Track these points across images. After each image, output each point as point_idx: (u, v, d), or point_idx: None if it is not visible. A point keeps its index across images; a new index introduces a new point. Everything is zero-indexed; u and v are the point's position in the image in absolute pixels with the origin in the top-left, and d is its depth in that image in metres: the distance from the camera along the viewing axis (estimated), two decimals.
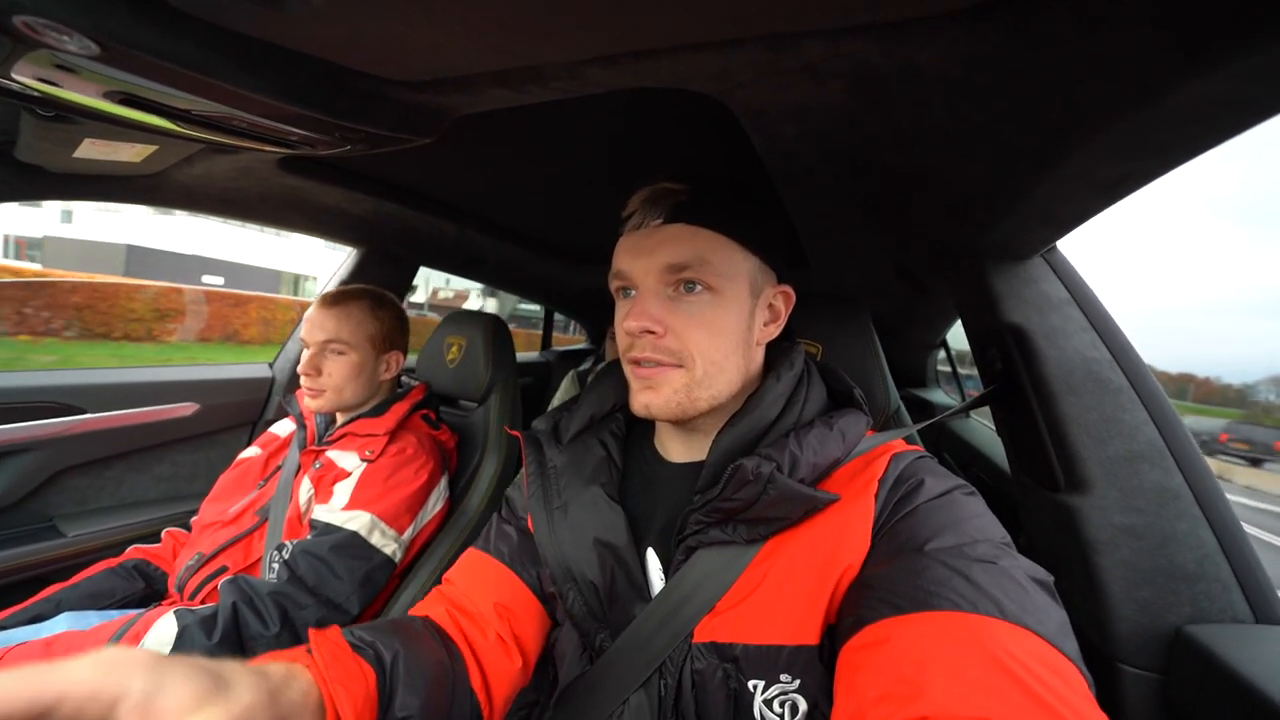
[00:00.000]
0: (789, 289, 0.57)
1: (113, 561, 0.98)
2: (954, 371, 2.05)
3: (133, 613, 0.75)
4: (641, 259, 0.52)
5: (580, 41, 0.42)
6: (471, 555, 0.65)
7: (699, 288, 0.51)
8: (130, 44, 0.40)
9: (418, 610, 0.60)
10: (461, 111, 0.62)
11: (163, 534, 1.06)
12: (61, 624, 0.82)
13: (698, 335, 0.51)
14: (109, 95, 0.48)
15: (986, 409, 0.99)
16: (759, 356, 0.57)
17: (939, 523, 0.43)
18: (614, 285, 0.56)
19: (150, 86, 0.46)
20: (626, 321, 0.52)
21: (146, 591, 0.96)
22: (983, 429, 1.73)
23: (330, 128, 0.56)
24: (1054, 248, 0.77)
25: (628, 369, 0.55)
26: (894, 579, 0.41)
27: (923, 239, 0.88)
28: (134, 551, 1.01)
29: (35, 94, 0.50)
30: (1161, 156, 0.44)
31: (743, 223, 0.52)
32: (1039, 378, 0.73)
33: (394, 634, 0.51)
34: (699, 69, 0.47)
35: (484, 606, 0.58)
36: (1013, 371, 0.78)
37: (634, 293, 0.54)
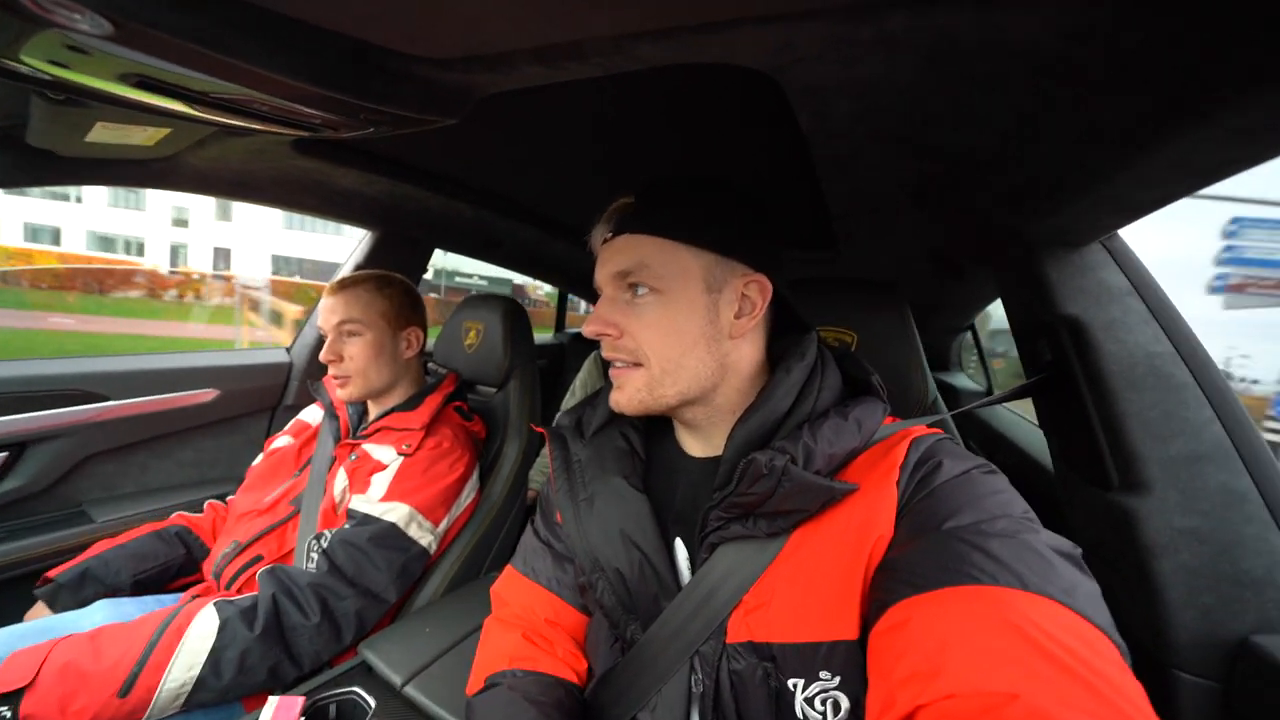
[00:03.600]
0: (763, 278, 0.54)
1: (157, 525, 1.01)
2: (980, 356, 2.00)
3: (172, 604, 0.75)
4: (600, 270, 0.56)
5: (633, 12, 0.38)
6: (513, 577, 0.68)
7: (645, 290, 0.53)
8: (146, 21, 0.36)
9: (492, 646, 0.63)
10: (490, 91, 0.58)
11: (205, 505, 1.09)
12: (99, 612, 0.83)
13: (648, 335, 0.53)
14: (123, 78, 0.45)
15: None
16: (745, 348, 0.55)
17: (957, 501, 0.42)
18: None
19: (167, 68, 0.42)
20: (584, 326, 0.56)
21: (186, 559, 0.99)
22: (1009, 415, 1.70)
23: (355, 110, 0.53)
24: (1115, 234, 0.72)
25: (610, 369, 0.57)
26: (913, 559, 0.40)
27: (970, 224, 0.84)
28: (178, 518, 1.04)
29: (46, 77, 0.47)
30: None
31: (686, 224, 0.53)
32: (1096, 372, 0.69)
33: None
34: (758, 43, 0.43)
35: (539, 624, 0.63)
36: (1064, 364, 0.75)
37: None
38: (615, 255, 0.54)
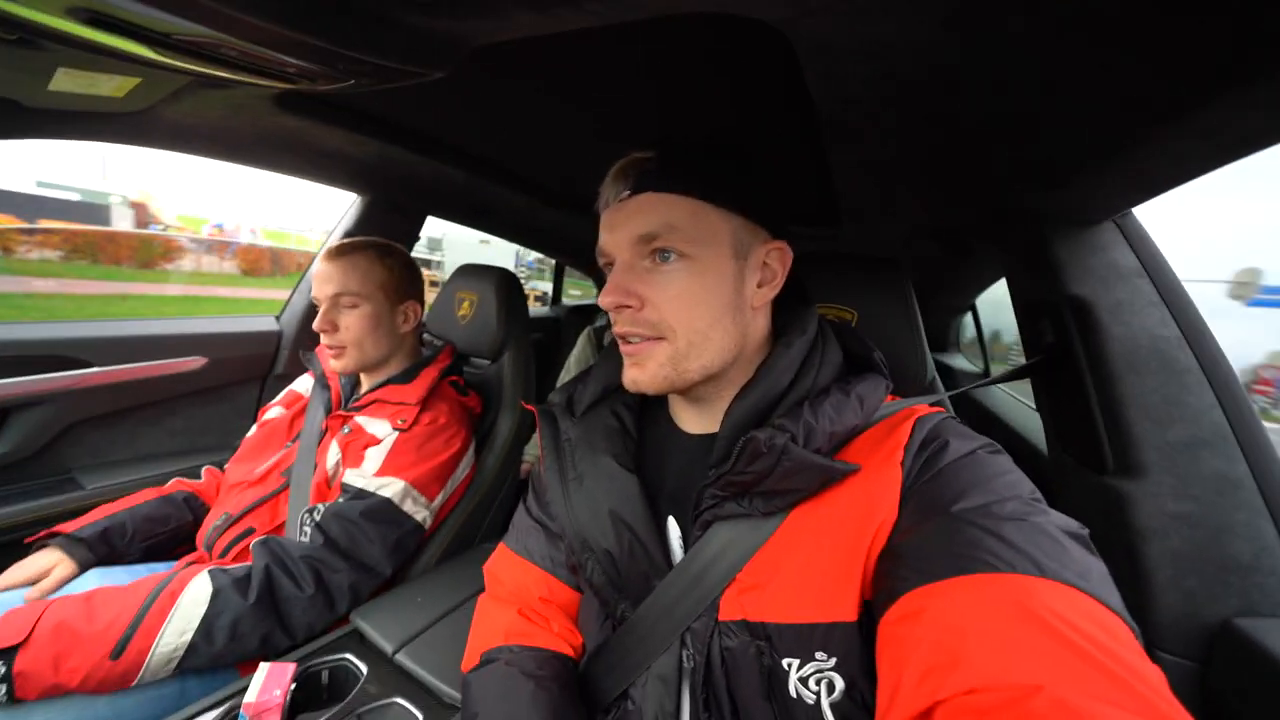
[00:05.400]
0: (784, 245, 0.52)
1: (162, 490, 1.00)
2: (979, 337, 1.99)
3: (164, 570, 0.75)
4: (615, 233, 0.50)
5: None
6: (506, 555, 0.67)
7: (673, 256, 0.48)
8: None
9: (487, 624, 0.62)
10: (478, 41, 0.55)
11: (203, 471, 1.08)
12: (92, 580, 0.83)
13: (676, 306, 0.48)
14: (71, 13, 0.41)
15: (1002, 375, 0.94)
16: (759, 320, 0.53)
17: (964, 483, 0.41)
18: (601, 263, 0.54)
19: (121, 4, 0.39)
20: (601, 297, 0.50)
21: (193, 526, 0.98)
22: (1004, 396, 1.70)
23: (332, 57, 0.49)
24: (1129, 212, 0.70)
25: (620, 344, 0.53)
26: (923, 545, 0.39)
27: (982, 198, 0.81)
28: (178, 483, 1.03)
29: None
30: None
31: (718, 183, 0.49)
32: (1098, 355, 0.68)
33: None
34: None
35: (533, 601, 0.63)
36: (1066, 345, 0.74)
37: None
38: (636, 216, 0.49)
